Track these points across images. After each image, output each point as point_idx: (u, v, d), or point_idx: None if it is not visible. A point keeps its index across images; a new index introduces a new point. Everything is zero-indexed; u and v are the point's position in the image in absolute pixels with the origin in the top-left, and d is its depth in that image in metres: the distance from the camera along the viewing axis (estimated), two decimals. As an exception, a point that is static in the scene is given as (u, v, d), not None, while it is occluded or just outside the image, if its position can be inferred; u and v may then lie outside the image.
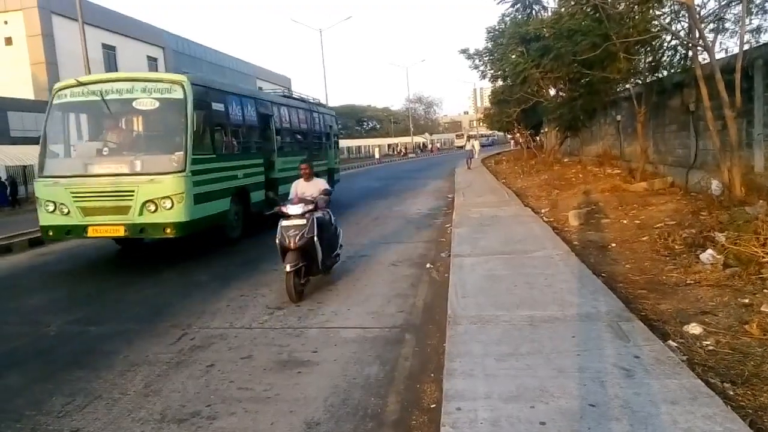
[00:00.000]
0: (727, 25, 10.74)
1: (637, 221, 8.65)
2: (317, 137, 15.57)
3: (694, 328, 4.14)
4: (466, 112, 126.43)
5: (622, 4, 11.47)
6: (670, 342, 3.91)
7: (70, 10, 22.40)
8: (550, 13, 19.42)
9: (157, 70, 34.42)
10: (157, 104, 8.08)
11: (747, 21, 9.74)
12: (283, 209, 5.84)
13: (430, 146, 74.58)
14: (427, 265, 7.20)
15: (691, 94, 10.68)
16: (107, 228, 7.75)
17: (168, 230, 7.66)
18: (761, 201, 7.15)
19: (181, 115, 7.97)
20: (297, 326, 5.05)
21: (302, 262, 5.68)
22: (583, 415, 2.83)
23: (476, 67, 20.68)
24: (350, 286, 6.37)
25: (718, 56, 9.10)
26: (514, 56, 17.32)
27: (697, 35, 8.95)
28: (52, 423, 3.43)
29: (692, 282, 5.36)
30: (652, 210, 9.23)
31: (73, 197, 7.73)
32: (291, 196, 6.40)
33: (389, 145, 69.45)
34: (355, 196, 17.60)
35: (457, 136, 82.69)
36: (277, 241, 5.71)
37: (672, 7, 11.11)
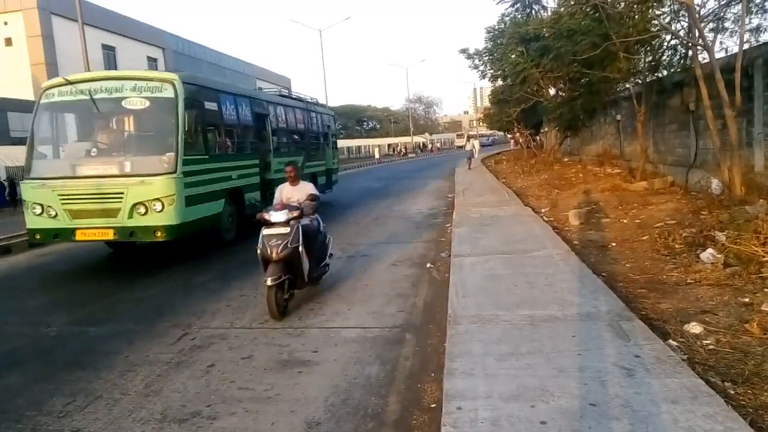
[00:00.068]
0: (727, 24, 10.76)
1: (638, 221, 8.65)
2: (315, 137, 15.38)
3: (695, 328, 4.14)
4: (466, 112, 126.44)
5: (622, 4, 11.48)
6: (671, 341, 3.91)
7: (70, 10, 22.40)
8: (549, 13, 19.45)
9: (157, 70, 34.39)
10: (148, 103, 7.88)
11: (747, 20, 9.76)
12: (265, 216, 5.36)
13: (430, 146, 74.55)
14: (428, 265, 7.20)
15: (691, 94, 10.68)
16: (96, 231, 7.55)
17: (159, 234, 7.45)
18: (761, 200, 7.15)
19: (172, 115, 7.77)
20: (297, 326, 5.05)
21: (285, 275, 5.19)
22: (583, 415, 2.83)
23: (476, 67, 20.69)
24: (350, 286, 6.37)
25: (717, 55, 9.11)
26: (513, 56, 17.32)
27: (697, 35, 8.95)
28: (52, 423, 3.43)
29: (692, 281, 5.36)
30: (652, 209, 9.23)
31: (61, 200, 7.55)
32: (275, 201, 5.97)
33: (389, 145, 69.40)
34: (355, 196, 17.60)
35: (457, 135, 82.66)
36: (258, 252, 5.27)
37: (672, 7, 11.13)
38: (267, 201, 8.72)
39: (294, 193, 6.02)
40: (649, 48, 12.24)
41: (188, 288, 6.77)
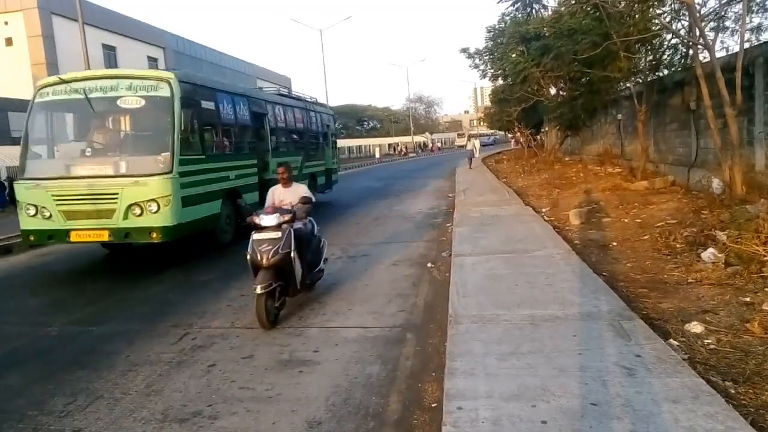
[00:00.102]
0: (728, 23, 10.75)
1: (638, 220, 8.64)
2: (314, 137, 15.23)
3: (696, 327, 4.13)
4: (466, 112, 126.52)
5: (623, 3, 11.48)
6: (672, 341, 3.91)
7: (71, 10, 22.40)
8: (550, 12, 19.46)
9: (157, 71, 34.33)
10: (143, 102, 7.76)
11: (747, 19, 9.75)
12: (256, 220, 5.11)
13: (430, 146, 74.52)
14: (428, 265, 7.20)
15: (692, 93, 10.68)
16: (90, 233, 7.42)
17: (154, 235, 7.32)
18: (762, 199, 7.15)
19: (167, 114, 7.64)
20: (298, 326, 5.05)
21: (276, 282, 4.91)
22: (584, 414, 2.83)
23: (476, 66, 20.71)
24: (351, 286, 6.37)
25: (718, 55, 9.11)
26: (514, 55, 17.32)
27: (698, 34, 8.94)
28: (53, 423, 3.43)
29: (693, 281, 5.36)
30: (653, 209, 9.23)
31: (55, 200, 7.43)
32: (267, 203, 5.74)
33: (390, 145, 69.39)
34: (356, 195, 17.60)
35: (458, 135, 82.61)
36: (248, 258, 4.99)
37: (672, 6, 11.13)
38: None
39: (287, 195, 5.78)
40: (649, 47, 12.24)
41: (189, 288, 6.77)
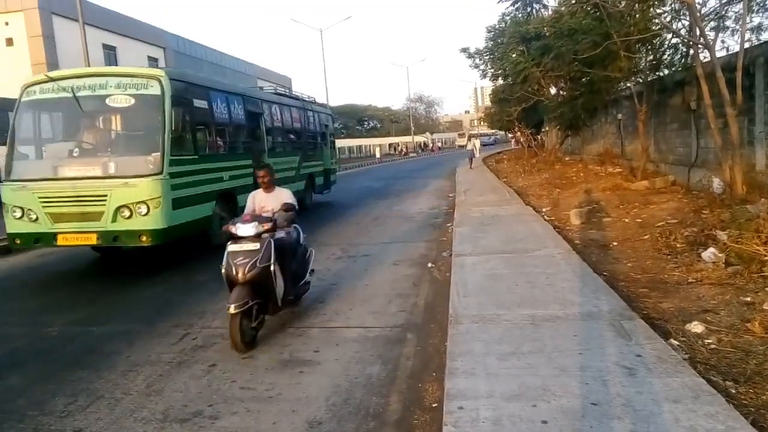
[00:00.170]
0: (728, 23, 10.75)
1: (639, 220, 8.64)
2: (312, 137, 15.04)
3: (696, 327, 4.13)
4: (467, 111, 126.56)
5: (623, 3, 11.49)
6: (672, 340, 3.91)
7: (71, 10, 22.39)
8: (550, 12, 19.47)
9: (157, 71, 34.31)
10: (133, 101, 7.52)
11: (748, 19, 9.74)
12: (231, 229, 4.60)
13: (431, 146, 74.53)
14: (429, 265, 7.20)
15: (692, 93, 10.68)
16: (78, 236, 7.19)
17: (144, 238, 7.11)
18: (763, 199, 7.14)
19: (158, 113, 7.41)
20: (298, 326, 5.05)
21: (254, 300, 4.41)
22: (585, 414, 2.83)
23: (477, 66, 20.72)
24: (351, 286, 6.37)
25: (719, 54, 9.11)
26: (514, 55, 17.33)
27: (698, 33, 8.94)
28: (54, 423, 3.43)
29: (694, 280, 5.36)
30: (653, 208, 9.22)
31: (42, 203, 7.21)
32: (246, 210, 5.28)
33: (390, 145, 69.40)
34: (356, 195, 17.60)
35: (459, 135, 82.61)
36: (222, 272, 4.49)
37: (673, 6, 11.13)
38: None
39: (268, 201, 5.29)
40: (650, 47, 12.24)
41: (188, 288, 6.77)
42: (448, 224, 10.22)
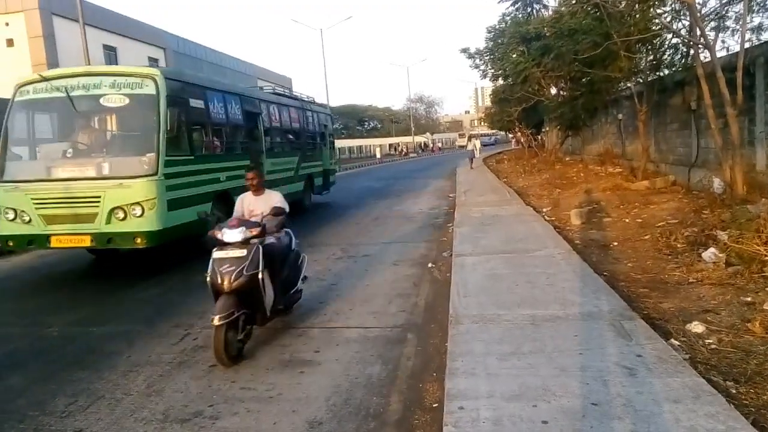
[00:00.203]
0: (729, 23, 10.75)
1: (639, 220, 8.64)
2: (311, 137, 14.91)
3: (697, 327, 4.13)
4: (467, 112, 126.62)
5: (623, 3, 11.49)
6: (673, 341, 3.91)
7: (71, 11, 22.40)
8: (550, 12, 19.47)
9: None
10: (127, 101, 7.40)
11: (748, 19, 9.74)
12: (217, 235, 4.36)
13: (431, 146, 74.56)
14: (429, 265, 7.20)
15: (693, 93, 10.67)
16: (71, 238, 7.07)
17: (139, 240, 6.97)
18: (763, 199, 7.15)
19: (153, 112, 7.30)
20: (299, 326, 5.05)
21: (240, 311, 4.15)
22: (585, 414, 2.83)
23: (477, 66, 20.74)
24: (352, 286, 6.37)
25: (719, 54, 9.11)
26: (514, 55, 17.33)
27: (698, 33, 8.94)
28: (55, 423, 3.43)
29: (694, 280, 5.36)
30: (653, 209, 9.22)
31: (35, 204, 7.10)
32: (235, 214, 5.04)
33: (390, 145, 69.42)
34: (356, 196, 17.61)
35: (459, 135, 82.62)
36: (207, 279, 4.25)
37: (673, 6, 11.12)
38: None
39: (257, 204, 5.04)
40: (650, 47, 12.24)
41: (188, 288, 6.76)
42: (449, 224, 10.22)
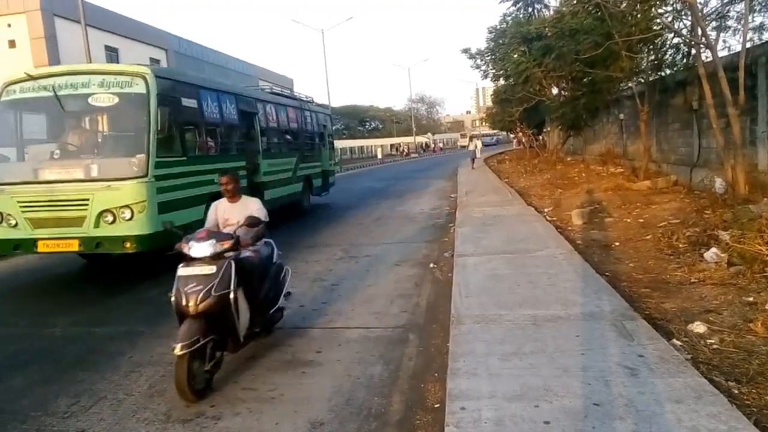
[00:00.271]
0: (730, 23, 10.76)
1: (641, 220, 8.63)
2: (309, 137, 14.63)
3: (699, 327, 4.13)
4: (468, 112, 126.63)
5: (624, 3, 11.48)
6: (675, 341, 3.90)
7: (73, 12, 22.48)
8: (551, 12, 19.44)
9: (159, 72, 34.37)
10: (117, 100, 7.16)
11: (750, 19, 9.74)
12: (184, 248, 3.86)
13: (432, 146, 74.56)
14: (431, 265, 7.20)
15: (694, 93, 10.66)
16: (59, 242, 6.85)
17: (128, 244, 6.75)
18: (765, 199, 7.13)
19: (143, 112, 7.06)
20: (301, 326, 5.05)
21: (207, 337, 3.58)
22: (587, 414, 2.82)
23: (478, 66, 20.76)
24: (353, 286, 6.37)
25: (720, 54, 9.10)
26: (516, 56, 17.34)
27: (700, 33, 8.93)
28: (57, 424, 3.44)
29: (696, 281, 5.35)
30: (655, 209, 9.21)
31: (21, 207, 6.88)
32: (207, 224, 4.60)
33: (392, 146, 69.42)
34: (358, 196, 17.61)
35: (460, 135, 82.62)
36: (172, 300, 3.71)
37: (674, 6, 11.11)
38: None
39: (233, 212, 4.56)
40: (651, 47, 12.24)
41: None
42: (450, 225, 10.22)
